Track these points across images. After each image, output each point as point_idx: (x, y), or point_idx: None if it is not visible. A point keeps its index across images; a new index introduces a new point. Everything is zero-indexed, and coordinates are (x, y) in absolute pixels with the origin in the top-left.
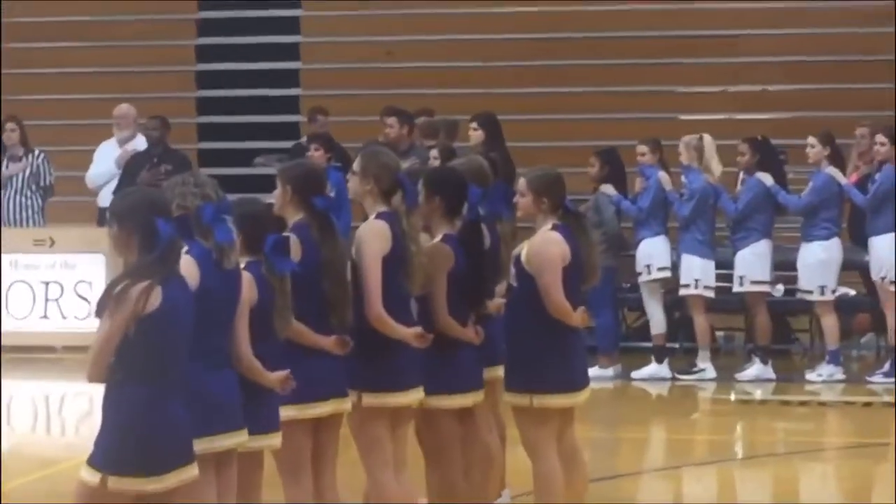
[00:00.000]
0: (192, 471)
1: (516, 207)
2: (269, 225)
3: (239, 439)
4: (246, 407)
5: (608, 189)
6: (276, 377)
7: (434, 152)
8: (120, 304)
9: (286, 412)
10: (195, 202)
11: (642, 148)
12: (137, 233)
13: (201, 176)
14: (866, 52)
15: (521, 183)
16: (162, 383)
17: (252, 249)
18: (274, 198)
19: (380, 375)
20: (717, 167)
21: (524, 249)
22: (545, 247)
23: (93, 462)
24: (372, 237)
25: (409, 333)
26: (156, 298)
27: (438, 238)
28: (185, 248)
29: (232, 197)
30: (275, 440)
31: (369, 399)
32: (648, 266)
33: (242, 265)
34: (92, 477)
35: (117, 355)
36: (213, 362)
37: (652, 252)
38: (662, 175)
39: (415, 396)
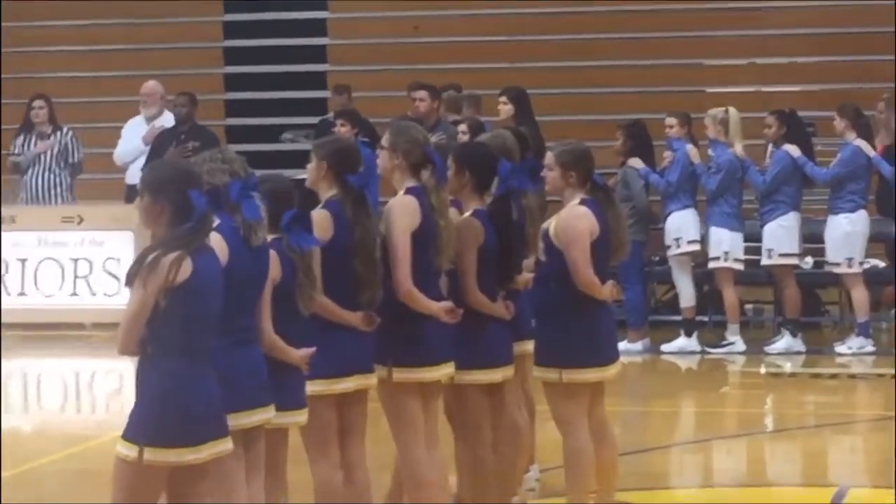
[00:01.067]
0: (227, 444)
1: (544, 182)
2: (291, 201)
3: (266, 415)
4: (271, 383)
5: (636, 163)
6: (299, 354)
7: (463, 127)
8: (151, 274)
9: (312, 387)
10: (223, 178)
11: (671, 121)
12: (170, 205)
13: (229, 152)
14: (893, 23)
15: (549, 157)
16: (194, 356)
17: (275, 226)
18: (307, 172)
19: (410, 350)
20: (738, 144)
21: (552, 224)
22: (573, 221)
23: (128, 436)
24: (401, 212)
25: (439, 308)
26: (186, 269)
27: (468, 213)
28: (214, 225)
29: (261, 173)
30: (300, 417)
31: (399, 374)
32: (678, 239)
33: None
34: (128, 451)
35: (149, 328)
36: (240, 339)
37: (681, 225)
38: (690, 148)
39: (445, 371)
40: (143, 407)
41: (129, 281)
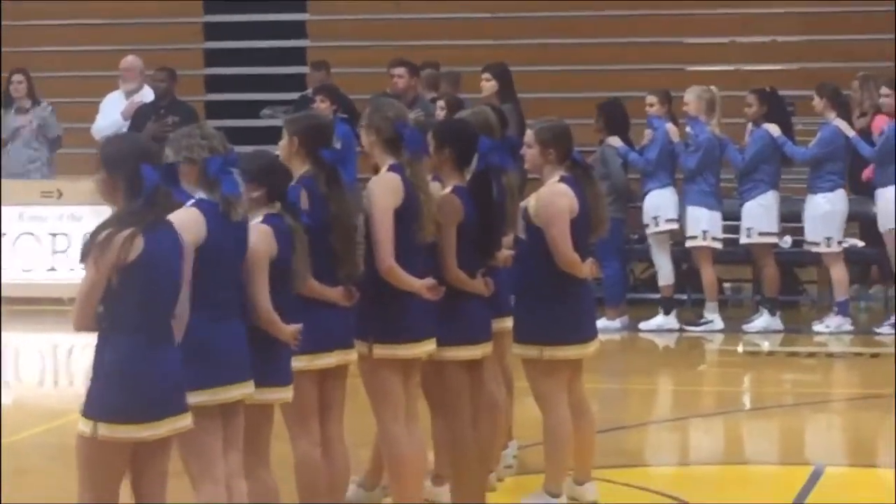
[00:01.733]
0: (186, 420)
1: (524, 160)
2: (286, 177)
3: (245, 390)
4: (258, 360)
5: (614, 141)
6: (290, 330)
7: (441, 103)
8: (103, 252)
9: (295, 363)
10: (202, 154)
11: (651, 99)
12: (123, 179)
13: (208, 128)
14: (874, 2)
15: (528, 134)
16: (149, 332)
17: (272, 201)
18: (279, 149)
19: (391, 327)
20: (715, 123)
21: (532, 202)
22: (553, 199)
23: (85, 412)
24: (383, 189)
25: (420, 285)
26: (138, 246)
27: (448, 189)
28: (192, 201)
29: (240, 149)
30: (286, 393)
31: (380, 350)
32: (656, 218)
33: (260, 218)
34: (85, 427)
35: (104, 304)
36: (219, 314)
37: (660, 204)
38: (670, 126)
39: (426, 348)
40: (98, 383)
41: (83, 258)
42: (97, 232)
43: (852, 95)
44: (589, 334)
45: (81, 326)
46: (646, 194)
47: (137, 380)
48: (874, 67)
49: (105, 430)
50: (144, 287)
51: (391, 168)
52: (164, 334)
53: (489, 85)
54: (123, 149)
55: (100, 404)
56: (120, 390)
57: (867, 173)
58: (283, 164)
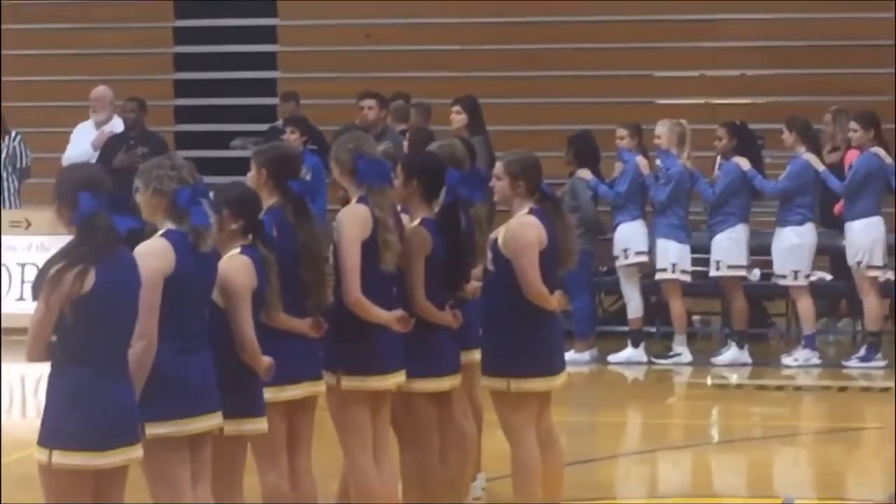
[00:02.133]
0: (138, 451)
1: (493, 191)
2: (259, 208)
3: (213, 422)
4: (231, 391)
5: (585, 174)
6: (266, 362)
7: (408, 135)
8: (54, 288)
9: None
10: (171, 185)
11: (622, 132)
12: (66, 207)
13: (178, 159)
14: (844, 37)
15: (498, 167)
16: (102, 362)
17: (247, 233)
18: (248, 180)
19: (359, 359)
20: (686, 157)
21: (501, 233)
22: (522, 230)
23: (40, 441)
24: (351, 221)
25: (389, 317)
26: (90, 281)
27: (416, 222)
28: (163, 231)
29: (210, 180)
30: (259, 424)
31: (348, 382)
32: (626, 250)
33: (238, 250)
34: (41, 455)
35: (56, 334)
36: (186, 345)
37: (629, 236)
38: (641, 159)
39: (395, 380)
40: (51, 411)
41: (35, 294)
42: (47, 266)
43: (824, 129)
44: (557, 367)
45: (34, 357)
46: (616, 227)
47: (90, 408)
48: (843, 101)
49: (58, 458)
50: (96, 318)
51: (360, 199)
52: (117, 364)
53: (459, 118)
54: (67, 178)
55: (53, 432)
56: (73, 418)
57: (839, 207)
58: (257, 196)
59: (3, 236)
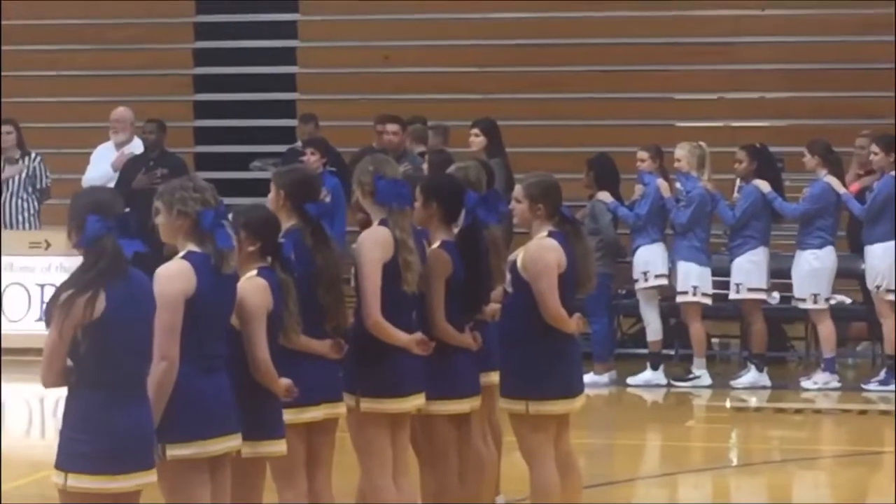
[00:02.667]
0: (152, 476)
1: (511, 214)
2: (278, 230)
3: (232, 444)
4: (250, 413)
5: (605, 196)
6: (284, 384)
7: (427, 157)
8: (65, 315)
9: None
10: (195, 207)
11: (643, 154)
12: (76, 229)
13: (199, 181)
14: (864, 60)
15: (518, 189)
16: (117, 386)
17: (266, 255)
18: (268, 201)
19: (379, 381)
20: (708, 178)
21: (520, 256)
22: (541, 253)
23: (57, 464)
24: (372, 244)
25: (409, 340)
26: (101, 305)
27: (436, 244)
28: (184, 253)
29: (229, 201)
30: (278, 447)
31: (367, 404)
32: (646, 273)
33: (255, 272)
34: (58, 478)
35: (71, 358)
36: (205, 366)
37: (649, 259)
38: (661, 182)
39: (415, 403)
40: (66, 435)
41: (47, 320)
42: (58, 293)
43: (858, 153)
44: (576, 389)
45: (49, 383)
46: (635, 249)
47: (104, 431)
48: (863, 125)
49: (73, 481)
50: (109, 342)
51: (382, 222)
52: (132, 387)
53: (478, 140)
54: (78, 201)
55: (69, 456)
56: (87, 442)
57: None
58: (276, 218)
59: (23, 257)
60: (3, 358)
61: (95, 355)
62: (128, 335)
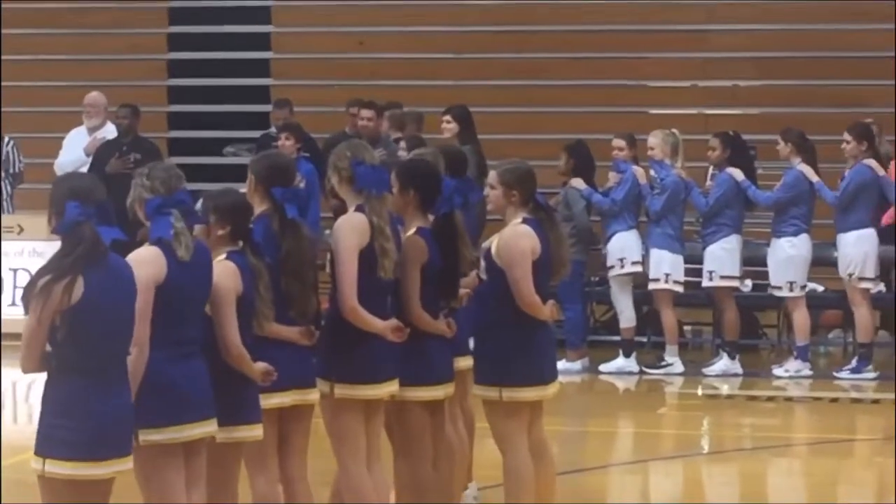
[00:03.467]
0: (129, 463)
1: (486, 201)
2: (248, 215)
3: (207, 429)
4: (226, 397)
5: (578, 183)
6: (261, 368)
7: (403, 144)
8: (43, 301)
9: None
10: (143, 195)
11: (619, 142)
12: (56, 215)
13: (159, 168)
14: (836, 48)
15: (492, 176)
16: (96, 372)
17: (235, 239)
18: (245, 187)
19: (354, 367)
20: (680, 166)
21: (494, 243)
22: (515, 240)
23: (36, 449)
24: (348, 230)
25: (385, 327)
26: (79, 292)
27: (412, 231)
28: (154, 238)
29: (203, 186)
30: (255, 431)
31: (342, 390)
32: (622, 259)
33: (223, 255)
34: (37, 464)
35: (50, 344)
36: (179, 353)
37: (625, 246)
38: (637, 169)
39: (389, 389)
40: (45, 421)
41: (25, 306)
42: (35, 279)
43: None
44: (549, 376)
45: (28, 369)
46: (610, 237)
47: (83, 418)
48: (835, 113)
49: (51, 467)
50: (88, 328)
51: (358, 208)
52: (112, 373)
53: (450, 127)
54: (58, 187)
55: (47, 441)
56: (66, 427)
57: (886, 219)
58: (245, 202)
59: None
60: None
61: (74, 341)
62: (107, 321)
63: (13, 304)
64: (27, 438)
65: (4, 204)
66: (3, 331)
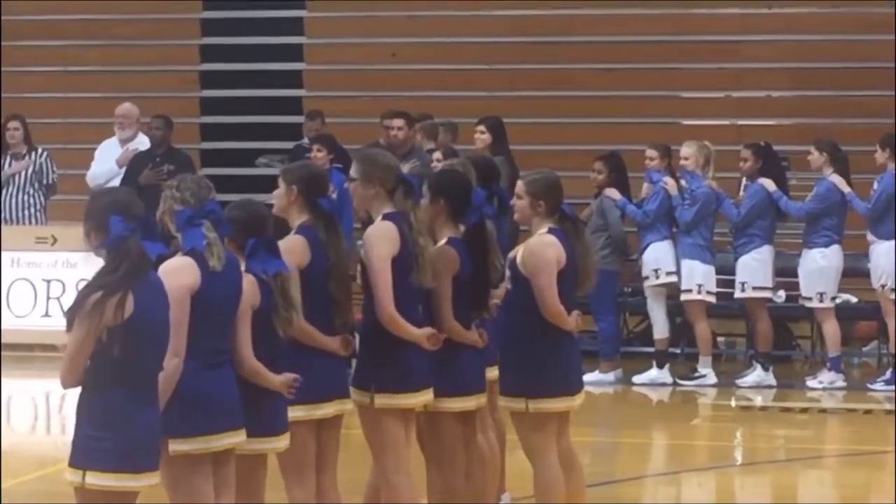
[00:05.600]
0: (156, 479)
1: (514, 210)
2: (255, 228)
3: (235, 439)
4: (251, 409)
5: (613, 193)
6: (281, 380)
7: (437, 154)
8: (94, 318)
9: (293, 413)
10: (173, 206)
11: (652, 153)
12: (97, 231)
13: (189, 179)
14: (868, 58)
15: (519, 186)
16: (135, 385)
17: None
18: (274, 198)
19: (392, 376)
20: (711, 177)
21: (519, 252)
22: (540, 249)
23: (72, 461)
24: (381, 239)
25: (420, 334)
26: (129, 308)
27: (443, 241)
28: (187, 249)
29: (235, 197)
30: (280, 443)
31: (382, 399)
32: (657, 270)
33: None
34: (74, 476)
35: (91, 360)
36: (210, 362)
37: (659, 257)
38: (670, 180)
39: (425, 397)
40: (83, 433)
41: (69, 319)
42: (85, 295)
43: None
44: (575, 386)
45: (71, 384)
46: (645, 247)
47: (124, 429)
48: (867, 124)
49: (92, 479)
50: (136, 343)
51: (386, 217)
52: (148, 387)
53: (483, 137)
54: (98, 200)
55: (87, 453)
56: (109, 439)
57: None
58: (251, 216)
59: (29, 252)
60: (8, 354)
61: (119, 355)
62: (150, 335)
63: (47, 314)
64: (59, 449)
65: (38, 215)
66: (34, 342)
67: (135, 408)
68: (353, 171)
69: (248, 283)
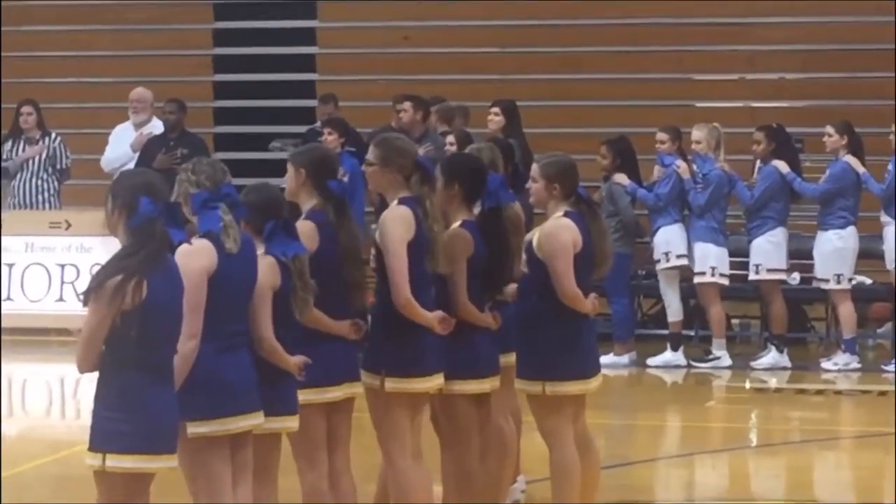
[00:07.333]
0: (175, 461)
1: (528, 193)
2: (272, 211)
3: (254, 421)
4: (264, 389)
5: (621, 178)
6: (295, 361)
7: (451, 138)
8: (111, 300)
9: (303, 396)
10: (189, 190)
11: (662, 136)
12: (124, 211)
13: (204, 163)
14: (881, 41)
15: (534, 169)
16: (151, 368)
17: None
18: (286, 182)
19: (403, 360)
20: (722, 160)
21: (535, 236)
22: (556, 232)
23: (92, 445)
24: (396, 223)
25: (433, 318)
26: (144, 289)
27: (457, 224)
28: (203, 232)
29: (249, 181)
30: (292, 423)
31: (392, 384)
32: (667, 253)
33: (262, 250)
34: (94, 460)
35: (107, 344)
36: (226, 345)
37: (670, 239)
38: (681, 163)
39: (436, 382)
40: (101, 416)
41: (86, 301)
42: (104, 277)
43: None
44: (592, 369)
45: (86, 368)
46: (656, 230)
47: (142, 412)
48: (881, 106)
49: (113, 462)
50: (152, 326)
51: (402, 201)
52: (164, 369)
53: (497, 120)
54: (127, 181)
55: (106, 436)
56: (127, 421)
57: None
58: (267, 200)
59: (43, 237)
60: (22, 338)
61: (135, 338)
62: (165, 318)
63: (60, 299)
64: (73, 433)
65: (52, 199)
66: (48, 326)
67: (150, 390)
68: (370, 156)
69: (269, 264)
